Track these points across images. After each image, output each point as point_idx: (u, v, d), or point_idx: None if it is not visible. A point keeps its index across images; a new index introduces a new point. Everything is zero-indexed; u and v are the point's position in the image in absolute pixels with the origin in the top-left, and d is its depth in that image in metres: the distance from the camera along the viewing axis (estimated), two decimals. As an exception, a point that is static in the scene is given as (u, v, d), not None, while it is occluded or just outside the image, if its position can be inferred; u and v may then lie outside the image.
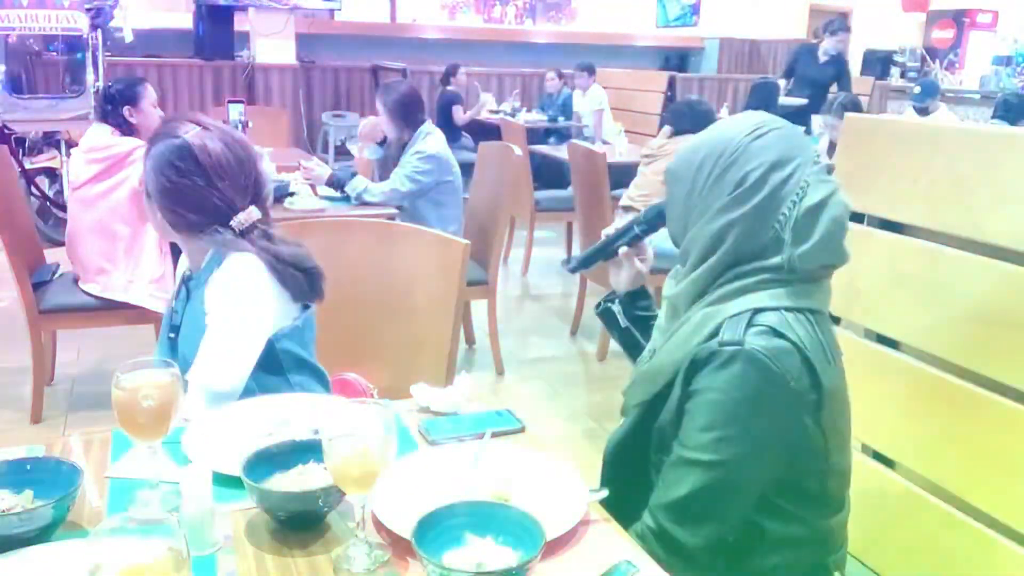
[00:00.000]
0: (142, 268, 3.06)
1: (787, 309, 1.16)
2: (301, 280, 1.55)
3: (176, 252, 2.95)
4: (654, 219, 1.41)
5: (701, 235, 1.22)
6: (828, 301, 1.23)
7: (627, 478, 1.30)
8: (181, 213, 1.53)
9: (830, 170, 1.21)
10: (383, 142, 3.79)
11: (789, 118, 1.29)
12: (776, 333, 1.14)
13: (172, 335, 1.63)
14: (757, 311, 1.16)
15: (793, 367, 1.13)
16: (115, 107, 3.11)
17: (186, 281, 1.63)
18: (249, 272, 1.51)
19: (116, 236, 3.05)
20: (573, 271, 1.55)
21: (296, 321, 1.59)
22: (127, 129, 3.11)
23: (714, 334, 1.17)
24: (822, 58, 6.51)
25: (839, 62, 6.52)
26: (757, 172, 1.17)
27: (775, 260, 1.17)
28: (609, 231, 1.48)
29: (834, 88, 6.49)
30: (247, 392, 1.51)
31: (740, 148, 1.18)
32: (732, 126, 1.22)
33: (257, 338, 1.53)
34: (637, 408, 1.31)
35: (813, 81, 6.44)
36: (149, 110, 3.16)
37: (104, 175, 3.03)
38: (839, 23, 6.58)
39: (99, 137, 3.09)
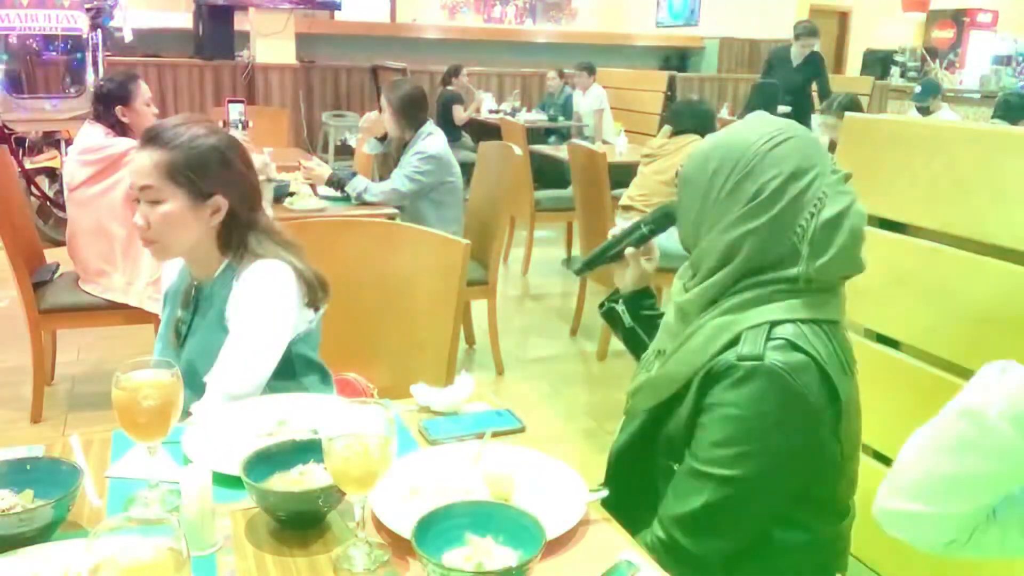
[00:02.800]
0: (140, 270, 3.05)
1: (803, 321, 1.14)
2: (316, 285, 1.56)
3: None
4: (662, 219, 1.39)
5: (715, 245, 1.18)
6: (843, 311, 1.20)
7: (632, 482, 1.29)
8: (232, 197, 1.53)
9: (847, 178, 1.18)
10: (383, 138, 3.78)
11: None
12: (794, 347, 1.11)
13: (177, 343, 1.62)
14: (774, 324, 1.13)
15: (812, 382, 1.11)
16: (107, 107, 3.06)
17: (194, 291, 1.61)
18: (279, 279, 1.52)
19: (113, 238, 3.04)
20: (578, 273, 1.54)
21: (311, 324, 1.60)
22: (120, 129, 3.07)
23: (729, 345, 1.14)
24: (795, 61, 6.53)
25: (813, 62, 6.53)
26: (774, 183, 1.13)
27: (791, 272, 1.15)
28: (615, 231, 1.45)
29: (813, 87, 6.53)
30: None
31: (757, 157, 1.14)
32: (749, 132, 1.18)
33: (280, 343, 1.53)
34: (644, 413, 1.30)
35: (792, 84, 6.45)
36: (142, 108, 3.10)
37: (99, 177, 3.01)
38: (801, 28, 6.56)
39: (92, 138, 3.05)
